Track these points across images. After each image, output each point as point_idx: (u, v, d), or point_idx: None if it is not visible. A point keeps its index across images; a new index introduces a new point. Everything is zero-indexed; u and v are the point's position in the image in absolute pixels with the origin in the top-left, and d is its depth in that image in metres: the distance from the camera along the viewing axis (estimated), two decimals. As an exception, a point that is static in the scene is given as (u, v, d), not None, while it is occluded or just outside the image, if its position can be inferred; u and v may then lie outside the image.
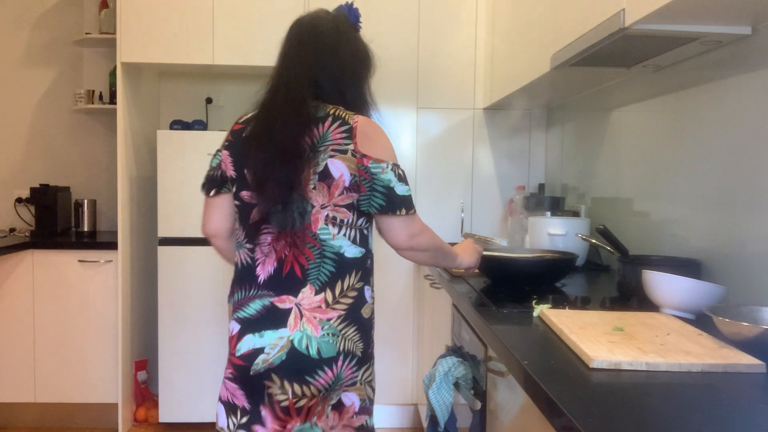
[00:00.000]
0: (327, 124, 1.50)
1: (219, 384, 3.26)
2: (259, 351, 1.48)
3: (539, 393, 1.03)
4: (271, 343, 1.48)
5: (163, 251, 3.22)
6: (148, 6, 3.14)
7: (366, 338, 1.56)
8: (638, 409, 0.93)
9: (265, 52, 3.21)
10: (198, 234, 3.22)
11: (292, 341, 1.47)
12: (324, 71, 1.60)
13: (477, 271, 2.07)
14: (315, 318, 1.49)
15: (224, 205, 1.66)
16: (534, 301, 1.63)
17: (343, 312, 1.51)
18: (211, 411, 3.27)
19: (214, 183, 1.65)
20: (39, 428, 3.33)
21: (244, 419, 1.53)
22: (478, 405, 1.68)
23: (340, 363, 1.50)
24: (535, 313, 1.55)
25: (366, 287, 1.57)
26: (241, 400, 1.54)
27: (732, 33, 1.55)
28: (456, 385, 1.80)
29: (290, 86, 1.59)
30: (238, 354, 1.52)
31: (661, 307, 1.55)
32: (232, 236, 1.69)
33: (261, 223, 1.53)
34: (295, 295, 1.49)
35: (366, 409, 1.60)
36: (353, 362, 1.52)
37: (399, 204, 1.50)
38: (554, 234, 2.43)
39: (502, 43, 2.92)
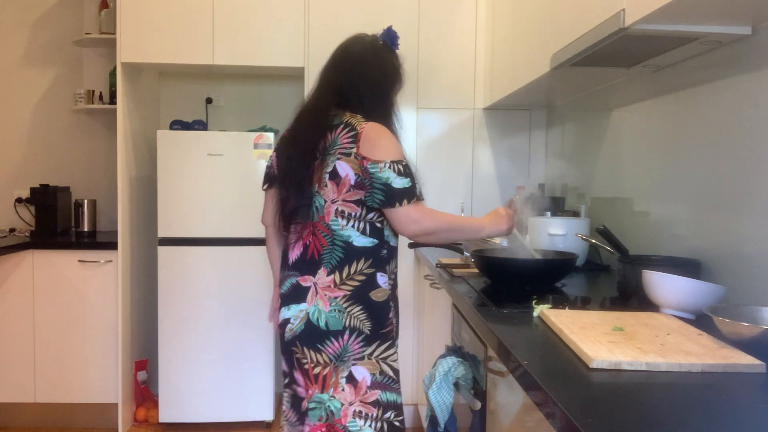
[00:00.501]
0: (338, 130, 1.75)
1: (218, 384, 3.27)
2: (287, 321, 1.78)
3: (539, 393, 1.03)
4: (294, 315, 1.77)
5: (163, 251, 3.22)
6: (148, 6, 3.14)
7: (376, 318, 1.77)
8: (638, 409, 0.93)
9: (265, 52, 3.21)
10: (198, 234, 3.23)
11: (308, 314, 1.75)
12: (349, 85, 1.84)
13: (476, 269, 2.07)
14: (326, 295, 1.76)
15: (273, 198, 1.91)
16: (534, 301, 1.63)
17: (348, 292, 1.75)
18: (211, 411, 3.27)
19: (266, 179, 1.94)
20: (39, 428, 3.33)
21: (287, 380, 1.90)
22: (478, 405, 1.68)
23: (346, 337, 1.74)
24: (535, 313, 1.55)
25: (378, 273, 1.78)
26: (284, 365, 1.87)
27: (732, 33, 1.54)
28: (456, 385, 1.80)
29: (318, 98, 1.86)
30: (279, 323, 1.83)
31: (661, 307, 1.55)
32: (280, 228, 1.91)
33: (292, 214, 1.80)
34: (314, 275, 1.77)
35: (379, 383, 1.78)
36: (360, 338, 1.75)
37: (398, 197, 1.70)
38: (554, 234, 2.43)
39: (502, 43, 2.92)
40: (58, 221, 3.51)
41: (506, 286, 1.94)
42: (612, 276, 2.26)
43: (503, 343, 1.29)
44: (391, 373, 1.81)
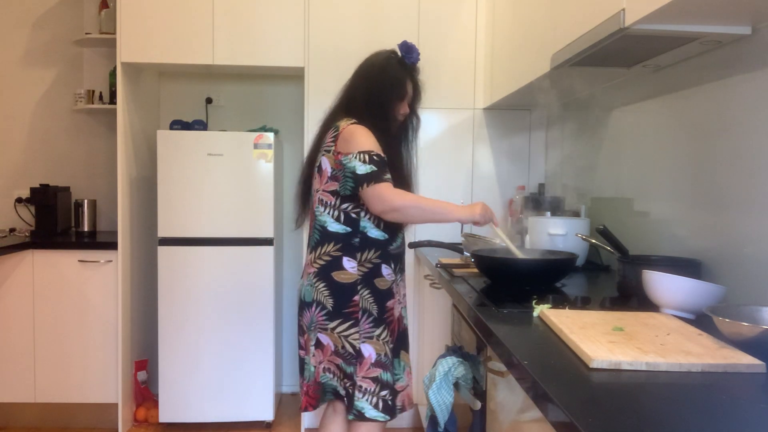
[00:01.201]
0: (330, 131, 2.05)
1: (218, 384, 3.27)
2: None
3: (539, 393, 1.03)
4: (298, 288, 2.14)
5: (163, 251, 3.22)
6: (148, 6, 3.14)
7: (338, 298, 2.00)
8: (638, 409, 0.93)
9: (265, 52, 3.21)
10: (198, 234, 3.23)
11: (301, 287, 2.11)
12: (353, 95, 2.11)
13: (476, 269, 2.07)
14: (306, 271, 2.09)
15: None
16: (534, 301, 1.63)
17: (316, 269, 2.04)
18: (211, 411, 3.27)
19: None
20: (39, 428, 3.34)
21: (301, 340, 2.15)
22: (478, 405, 1.68)
23: (313, 308, 2.03)
24: (535, 313, 1.55)
25: (345, 258, 2.01)
26: (298, 332, 2.17)
27: (732, 33, 1.54)
28: (456, 385, 1.80)
29: (332, 107, 2.15)
30: None
31: (661, 307, 1.55)
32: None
33: (303, 204, 2.17)
34: (307, 253, 2.12)
35: (341, 355, 2.01)
36: (323, 312, 2.02)
37: (362, 180, 1.94)
38: (554, 234, 2.43)
39: (502, 43, 2.92)
40: (58, 221, 3.51)
41: (506, 286, 1.94)
42: (612, 276, 2.26)
43: (503, 343, 1.29)
44: (351, 350, 2.01)
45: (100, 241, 3.32)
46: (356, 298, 2.01)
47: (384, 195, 1.92)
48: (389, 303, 2.07)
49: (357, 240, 2.02)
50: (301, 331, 2.12)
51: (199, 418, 3.27)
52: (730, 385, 1.05)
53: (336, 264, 2.01)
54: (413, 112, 2.19)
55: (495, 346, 1.37)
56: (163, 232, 3.22)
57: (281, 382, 3.81)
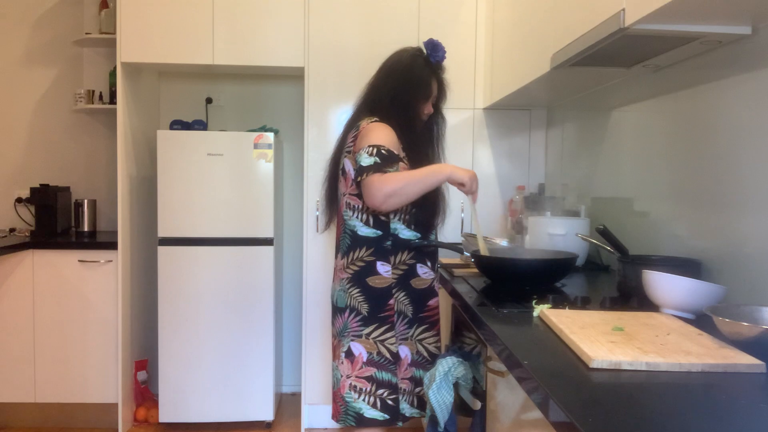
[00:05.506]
0: (351, 132, 2.00)
1: (218, 384, 3.27)
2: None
3: (539, 393, 1.03)
4: (332, 293, 2.07)
5: (163, 251, 3.22)
6: (148, 6, 3.14)
7: (373, 303, 1.95)
8: (638, 409, 0.93)
9: (265, 52, 3.21)
10: (198, 234, 3.23)
11: (332, 291, 2.06)
12: (377, 93, 2.04)
13: (476, 269, 2.07)
14: (338, 276, 2.02)
15: None
16: (534, 301, 1.63)
17: (350, 275, 1.98)
18: (211, 411, 3.27)
19: None
20: (39, 428, 3.34)
21: (333, 343, 2.10)
22: (478, 405, 1.68)
23: (347, 314, 1.97)
24: (535, 313, 1.55)
25: (379, 262, 1.95)
26: None
27: (732, 33, 1.55)
28: (456, 385, 1.80)
29: (355, 106, 2.10)
30: None
31: (661, 307, 1.55)
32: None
33: (331, 206, 2.11)
34: (336, 258, 2.05)
35: (375, 362, 1.95)
36: (358, 318, 1.96)
37: (361, 172, 1.86)
38: (554, 234, 2.43)
39: (502, 43, 2.92)
40: (58, 221, 3.51)
41: (506, 286, 1.94)
42: (612, 276, 2.26)
43: (503, 343, 1.29)
44: (387, 354, 1.96)
45: (100, 241, 3.31)
46: (391, 302, 1.97)
47: (372, 185, 1.82)
48: (432, 302, 2.07)
49: (389, 243, 1.97)
50: (333, 336, 2.08)
51: (199, 418, 3.27)
52: (730, 385, 1.05)
53: (370, 269, 1.96)
54: (438, 111, 2.13)
55: (495, 346, 1.37)
56: (163, 232, 3.22)
57: (281, 382, 3.81)
